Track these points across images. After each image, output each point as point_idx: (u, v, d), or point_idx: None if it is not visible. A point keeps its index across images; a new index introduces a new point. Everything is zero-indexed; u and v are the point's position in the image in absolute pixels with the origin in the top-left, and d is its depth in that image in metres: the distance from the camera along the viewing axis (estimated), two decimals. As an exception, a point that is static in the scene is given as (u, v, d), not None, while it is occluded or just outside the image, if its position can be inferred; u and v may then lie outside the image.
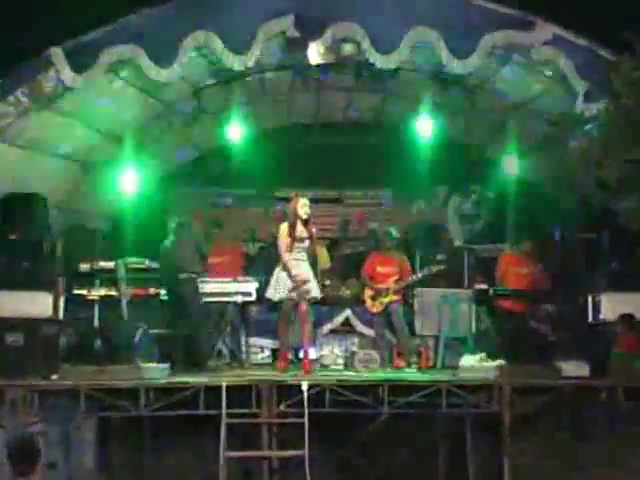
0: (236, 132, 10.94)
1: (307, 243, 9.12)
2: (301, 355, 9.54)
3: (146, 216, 11.58)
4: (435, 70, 9.90)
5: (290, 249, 8.99)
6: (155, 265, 9.93)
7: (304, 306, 9.02)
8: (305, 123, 12.91)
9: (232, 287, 10.27)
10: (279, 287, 9.01)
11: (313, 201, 12.31)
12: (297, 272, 8.93)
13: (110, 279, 9.69)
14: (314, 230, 9.16)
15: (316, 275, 9.34)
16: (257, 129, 12.02)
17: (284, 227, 9.10)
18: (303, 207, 9.07)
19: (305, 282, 8.93)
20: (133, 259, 9.97)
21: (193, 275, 9.50)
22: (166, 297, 9.93)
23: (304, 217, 9.04)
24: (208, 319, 10.09)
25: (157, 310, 9.95)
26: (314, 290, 9.07)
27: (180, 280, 9.45)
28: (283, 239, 9.05)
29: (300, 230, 9.08)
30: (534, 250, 10.26)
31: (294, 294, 8.92)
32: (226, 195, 13.31)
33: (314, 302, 9.29)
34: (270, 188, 13.16)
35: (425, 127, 10.73)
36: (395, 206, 13.36)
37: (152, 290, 9.95)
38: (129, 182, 10.72)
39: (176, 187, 12.91)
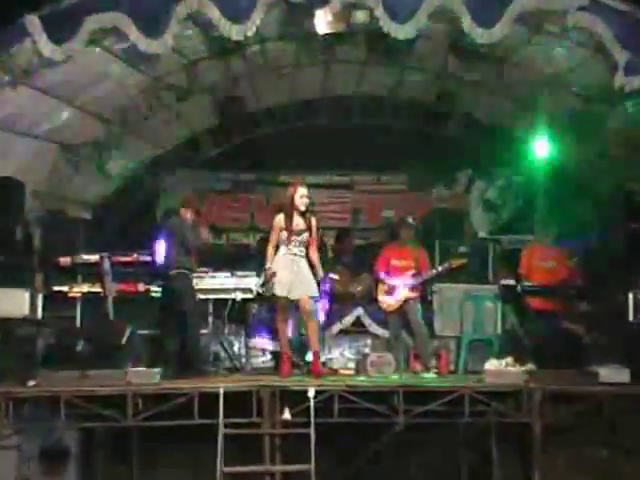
0: (234, 109, 10.89)
1: (305, 237, 9.15)
2: (309, 358, 9.57)
3: (134, 203, 11.59)
4: (457, 40, 9.85)
5: (288, 242, 9.06)
6: (145, 258, 9.93)
7: (305, 302, 9.04)
8: (311, 100, 12.87)
9: (230, 283, 10.26)
10: (273, 284, 9.11)
11: (321, 187, 12.53)
12: (271, 266, 9.08)
13: (94, 274, 9.69)
14: (314, 222, 9.19)
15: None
16: (258, 106, 11.98)
17: (279, 217, 9.19)
18: (301, 197, 9.14)
19: (274, 275, 8.98)
20: (120, 252, 9.97)
21: (185, 271, 9.48)
22: (157, 294, 9.94)
23: (301, 209, 9.10)
24: (204, 319, 10.08)
25: (147, 309, 9.98)
26: (312, 288, 9.08)
27: (171, 276, 9.43)
28: (275, 230, 9.18)
29: (297, 222, 9.13)
30: (562, 241, 10.22)
31: (262, 289, 9.05)
32: (223, 180, 13.31)
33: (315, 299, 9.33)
34: (272, 172, 13.16)
35: (445, 105, 10.69)
36: (412, 192, 13.33)
37: (141, 286, 9.99)
38: (116, 166, 10.73)
39: (167, 171, 12.89)
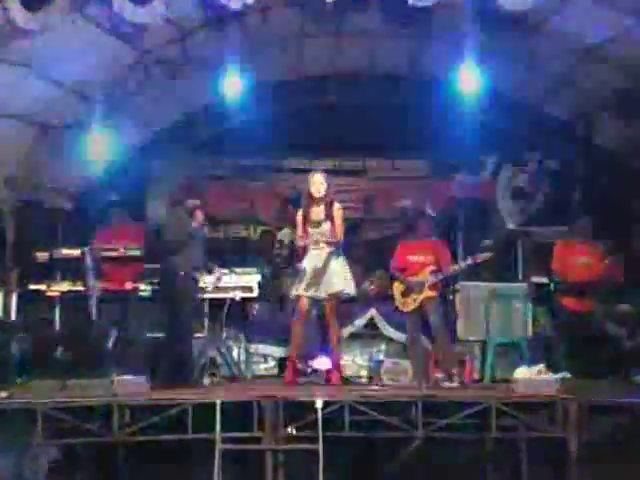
0: (233, 87, 10.89)
1: (326, 227, 9.18)
2: (316, 365, 9.63)
3: (121, 192, 11.56)
4: (483, 7, 9.79)
5: (308, 235, 9.19)
6: (133, 253, 9.91)
7: (330, 305, 9.08)
8: (320, 76, 12.84)
9: (229, 281, 10.24)
10: (296, 281, 9.30)
11: (329, 173, 12.46)
12: (308, 264, 9.11)
13: (75, 271, 9.67)
14: (336, 208, 9.23)
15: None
16: (259, 83, 11.96)
17: (299, 213, 9.43)
18: (314, 184, 9.28)
19: (317, 276, 8.99)
20: (104, 245, 9.95)
21: (185, 269, 9.46)
22: (147, 293, 9.93)
23: (316, 196, 9.16)
24: (201, 321, 10.07)
25: (135, 310, 9.96)
26: (335, 284, 9.12)
27: (167, 274, 9.42)
28: (298, 225, 9.42)
29: (315, 212, 9.21)
30: (600, 234, 10.19)
31: (308, 292, 9.11)
32: (221, 165, 13.31)
33: (343, 300, 9.42)
34: (276, 157, 13.15)
35: (470, 80, 10.64)
36: (432, 179, 13.31)
37: (129, 284, 9.97)
38: (99, 150, 10.69)
39: (159, 155, 12.88)
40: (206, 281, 9.97)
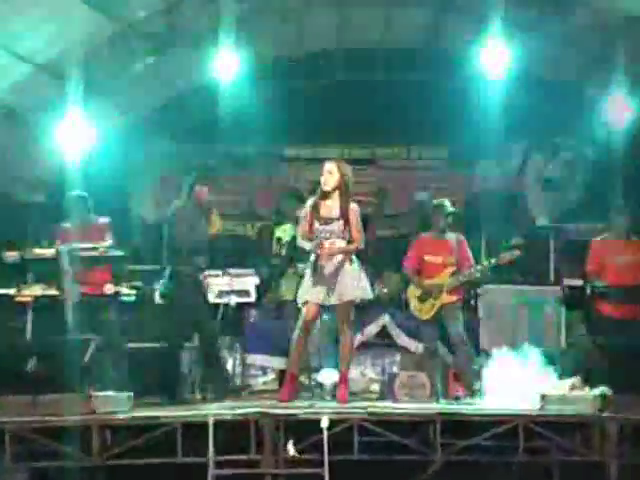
0: (227, 65, 10.89)
1: (338, 226, 9.09)
2: (321, 379, 9.65)
3: (101, 183, 11.58)
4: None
5: (315, 233, 9.05)
6: (116, 252, 9.92)
7: (340, 309, 9.08)
8: (325, 51, 12.83)
9: (223, 284, 10.25)
10: (303, 285, 9.17)
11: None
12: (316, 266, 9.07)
13: (49, 273, 9.67)
14: (353, 207, 9.13)
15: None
16: (257, 60, 11.97)
17: (308, 204, 9.25)
18: (322, 174, 9.13)
19: (328, 279, 8.99)
20: (82, 244, 9.95)
21: (188, 270, 9.54)
22: (130, 297, 9.93)
23: (325, 189, 9.06)
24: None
25: (117, 317, 9.96)
26: (350, 289, 9.07)
27: (186, 276, 9.47)
28: (302, 224, 9.22)
29: (326, 207, 9.11)
30: (638, 231, 10.20)
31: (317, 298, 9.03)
32: (213, 153, 13.39)
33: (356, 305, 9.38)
34: (275, 144, 13.15)
35: (495, 56, 10.64)
36: (452, 169, 13.35)
37: (109, 288, 9.95)
38: (76, 136, 10.68)
39: (143, 142, 12.91)
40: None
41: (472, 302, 10.75)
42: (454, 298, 10.11)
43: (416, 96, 12.40)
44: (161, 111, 12.89)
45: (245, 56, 11.21)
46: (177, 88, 12.77)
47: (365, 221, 12.39)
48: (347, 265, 9.11)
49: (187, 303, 9.52)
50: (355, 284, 9.12)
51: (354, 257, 9.16)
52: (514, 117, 12.05)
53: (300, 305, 9.20)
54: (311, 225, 9.12)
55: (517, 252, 10.43)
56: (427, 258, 10.25)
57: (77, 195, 10.10)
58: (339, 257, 9.07)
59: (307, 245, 9.10)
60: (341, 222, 9.10)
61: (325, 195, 9.13)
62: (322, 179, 9.11)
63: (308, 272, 9.13)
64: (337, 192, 9.09)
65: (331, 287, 9.01)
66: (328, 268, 9.04)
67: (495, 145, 13.10)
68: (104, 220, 10.31)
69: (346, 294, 9.05)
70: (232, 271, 10.37)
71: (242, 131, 12.63)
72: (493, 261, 10.25)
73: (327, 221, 9.11)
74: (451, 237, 10.32)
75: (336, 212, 9.10)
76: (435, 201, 10.78)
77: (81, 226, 10.15)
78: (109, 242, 10.02)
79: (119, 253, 9.95)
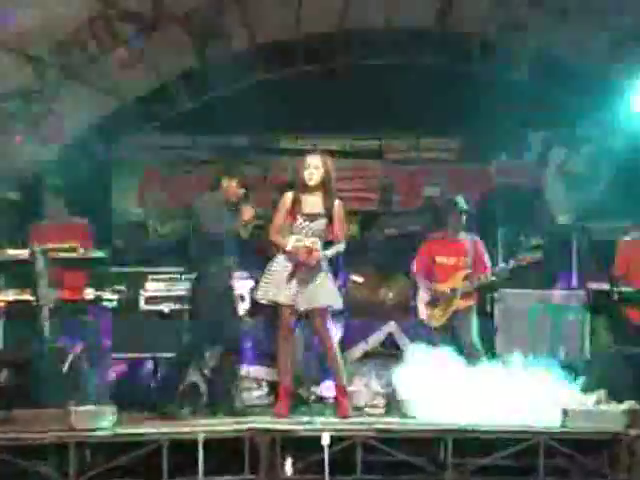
0: (218, 48, 10.88)
1: (322, 224, 9.11)
2: (323, 392, 9.77)
3: (80, 178, 11.59)
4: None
5: (296, 230, 9.09)
6: (96, 253, 9.91)
7: (316, 316, 9.07)
8: (325, 33, 12.80)
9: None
10: (271, 284, 9.14)
11: (338, 155, 12.48)
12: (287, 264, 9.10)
13: (23, 276, 9.65)
14: (337, 205, 9.13)
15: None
16: (251, 42, 11.95)
17: (287, 196, 9.22)
18: (307, 168, 9.13)
19: (301, 282, 9.02)
20: (60, 245, 9.94)
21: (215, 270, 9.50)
22: (112, 303, 9.93)
23: (310, 184, 9.09)
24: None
25: (98, 324, 9.95)
26: (321, 297, 9.07)
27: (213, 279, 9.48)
28: (279, 213, 9.23)
29: (309, 203, 9.12)
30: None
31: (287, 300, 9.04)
32: (202, 146, 13.35)
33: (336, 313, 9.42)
34: (271, 135, 13.13)
35: (514, 37, 10.63)
36: (465, 162, 13.31)
37: (88, 292, 9.94)
38: (53, 125, 10.67)
39: (125, 132, 12.89)
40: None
41: (488, 308, 10.69)
42: (468, 303, 10.15)
43: (425, 82, 12.34)
44: (147, 98, 12.83)
45: (239, 38, 11.20)
46: (162, 73, 12.69)
47: (370, 219, 12.48)
48: (322, 267, 9.15)
49: (213, 310, 9.47)
50: (327, 292, 9.13)
51: (325, 265, 9.19)
52: (533, 104, 12.04)
53: (263, 301, 9.25)
54: (293, 219, 9.14)
55: (537, 254, 10.45)
56: (439, 260, 10.27)
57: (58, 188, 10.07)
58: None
59: (283, 242, 9.12)
60: (325, 219, 9.13)
61: (307, 190, 9.15)
62: (306, 173, 9.12)
63: (277, 268, 9.14)
64: (321, 187, 9.13)
65: (303, 291, 9.04)
66: (304, 272, 9.07)
67: (512, 135, 13.15)
68: (83, 219, 10.31)
69: (319, 298, 9.09)
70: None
71: (235, 120, 12.59)
72: (511, 263, 10.27)
73: (311, 217, 9.14)
74: (465, 237, 10.35)
75: (320, 208, 9.12)
76: (447, 197, 10.78)
77: (58, 225, 10.15)
78: (89, 242, 10.01)
79: (100, 254, 9.95)
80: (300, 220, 9.12)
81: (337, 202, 9.20)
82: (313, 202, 9.16)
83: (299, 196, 9.15)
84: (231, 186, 9.60)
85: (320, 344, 9.32)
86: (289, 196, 9.19)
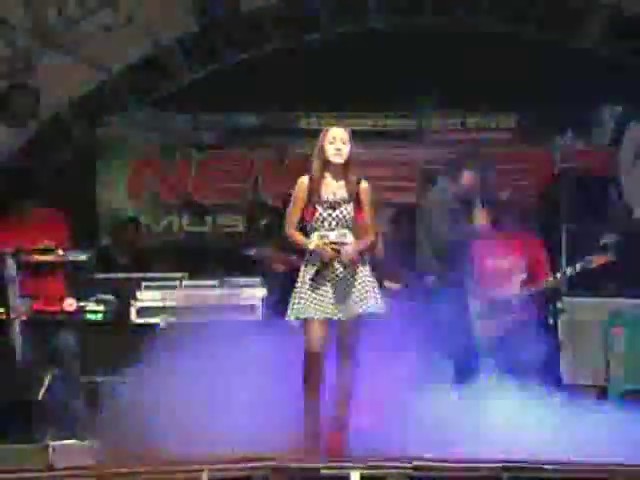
0: (221, 9, 10.91)
1: (348, 211, 8.99)
2: None
3: (58, 165, 11.63)
4: None
5: (317, 221, 8.88)
6: (77, 256, 9.95)
7: (348, 327, 8.85)
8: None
9: (217, 296, 10.27)
10: (301, 302, 8.82)
11: (367, 137, 12.51)
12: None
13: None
14: (364, 186, 9.04)
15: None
16: (262, 3, 12.01)
17: (301, 182, 8.95)
18: (334, 142, 8.91)
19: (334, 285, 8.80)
20: (34, 246, 9.98)
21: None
22: (97, 315, 9.97)
23: (336, 161, 8.92)
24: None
25: (80, 341, 9.98)
26: (360, 301, 8.94)
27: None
28: (296, 201, 8.89)
29: (331, 187, 8.94)
30: None
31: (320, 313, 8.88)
32: (209, 127, 13.42)
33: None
34: (287, 113, 13.23)
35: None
36: (522, 144, 13.32)
37: (69, 304, 9.95)
38: (29, 102, 10.72)
39: (112, 109, 12.94)
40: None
41: (550, 320, 10.68)
42: (525, 315, 10.17)
43: (472, 48, 12.34)
44: (138, 69, 12.87)
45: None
46: (156, 38, 12.73)
47: (406, 214, 12.46)
48: (360, 267, 9.00)
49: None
50: (367, 293, 8.98)
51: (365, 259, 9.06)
52: (605, 74, 12.04)
53: (294, 322, 9.03)
54: (312, 210, 8.98)
55: (610, 255, 10.44)
56: (490, 262, 10.30)
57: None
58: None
59: (303, 241, 8.95)
60: (351, 206, 8.94)
61: (328, 171, 8.91)
62: (331, 148, 8.79)
63: (302, 277, 8.85)
64: (344, 168, 8.87)
65: (338, 297, 8.90)
66: (333, 270, 8.80)
67: (580, 111, 13.17)
68: (61, 213, 10.34)
69: (355, 306, 8.88)
70: (230, 280, 10.36)
71: (242, 96, 12.63)
72: (578, 266, 10.29)
73: (333, 205, 8.91)
74: (520, 234, 10.43)
75: (344, 193, 8.99)
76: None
77: (32, 223, 10.17)
78: (68, 242, 10.04)
79: (82, 257, 9.97)
80: (320, 210, 8.96)
81: (365, 184, 9.06)
82: (334, 186, 8.85)
83: (317, 180, 8.91)
84: (468, 177, 9.73)
85: (339, 365, 8.85)
86: (304, 181, 8.87)
